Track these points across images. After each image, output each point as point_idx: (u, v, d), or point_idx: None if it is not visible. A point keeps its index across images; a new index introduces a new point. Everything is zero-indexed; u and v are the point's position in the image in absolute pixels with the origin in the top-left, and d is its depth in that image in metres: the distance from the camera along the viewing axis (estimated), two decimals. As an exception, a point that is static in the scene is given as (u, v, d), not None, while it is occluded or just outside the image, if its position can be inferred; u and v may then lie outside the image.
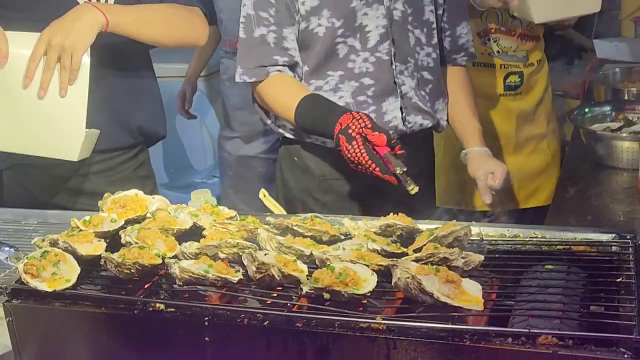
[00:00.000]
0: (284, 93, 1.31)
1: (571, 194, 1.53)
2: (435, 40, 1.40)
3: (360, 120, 1.12)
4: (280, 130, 1.40)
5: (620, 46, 2.29)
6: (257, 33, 1.28)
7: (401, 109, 1.35)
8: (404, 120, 1.35)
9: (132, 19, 1.33)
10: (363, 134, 1.11)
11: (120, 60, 1.41)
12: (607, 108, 1.81)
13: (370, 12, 1.30)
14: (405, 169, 1.08)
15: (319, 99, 1.27)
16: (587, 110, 1.80)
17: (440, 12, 1.41)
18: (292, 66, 1.32)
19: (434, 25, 1.39)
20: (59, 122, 1.26)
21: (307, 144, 1.37)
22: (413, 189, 1.06)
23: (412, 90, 1.36)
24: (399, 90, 1.35)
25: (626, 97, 1.96)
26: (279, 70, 1.30)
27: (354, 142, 1.10)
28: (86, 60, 1.23)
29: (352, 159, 1.12)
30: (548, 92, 2.03)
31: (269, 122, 1.41)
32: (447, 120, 1.49)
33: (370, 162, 1.09)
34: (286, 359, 0.72)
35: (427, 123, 1.40)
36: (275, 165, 1.55)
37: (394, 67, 1.34)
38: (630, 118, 1.72)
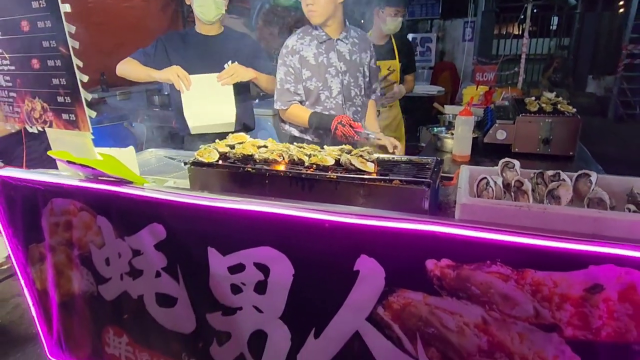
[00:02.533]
0: (299, 113, 2.59)
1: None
2: (364, 91, 2.73)
3: (346, 117, 2.33)
4: (292, 131, 2.74)
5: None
6: (286, 86, 2.61)
7: None
8: None
9: (261, 77, 2.79)
10: (349, 123, 2.30)
11: (241, 89, 2.80)
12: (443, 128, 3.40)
13: (333, 80, 2.60)
14: (373, 135, 2.23)
15: (319, 113, 2.54)
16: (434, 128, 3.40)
17: (367, 79, 2.72)
18: (301, 102, 2.61)
19: (363, 85, 2.70)
20: (224, 106, 2.66)
21: (304, 140, 2.68)
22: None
23: (351, 116, 2.65)
24: None
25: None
26: (294, 102, 2.61)
27: (346, 126, 2.30)
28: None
29: (345, 134, 2.30)
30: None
31: (286, 127, 2.73)
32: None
33: (354, 134, 2.27)
34: (297, 188, 1.82)
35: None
36: None
37: (344, 106, 2.63)
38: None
